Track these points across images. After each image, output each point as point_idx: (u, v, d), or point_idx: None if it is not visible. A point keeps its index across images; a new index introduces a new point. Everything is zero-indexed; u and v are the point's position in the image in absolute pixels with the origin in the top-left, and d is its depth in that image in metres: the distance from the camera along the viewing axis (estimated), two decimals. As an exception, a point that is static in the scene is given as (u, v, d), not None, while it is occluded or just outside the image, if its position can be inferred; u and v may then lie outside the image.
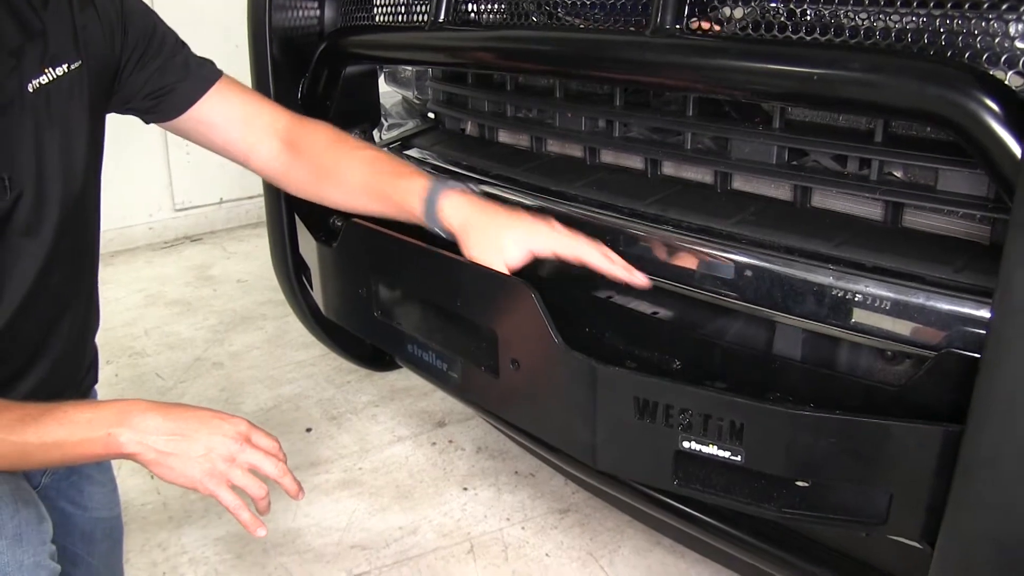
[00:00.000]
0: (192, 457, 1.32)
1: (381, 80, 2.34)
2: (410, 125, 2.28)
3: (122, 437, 1.29)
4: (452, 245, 1.48)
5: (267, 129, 1.69)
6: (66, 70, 1.44)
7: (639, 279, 1.41)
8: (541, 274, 1.48)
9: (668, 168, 1.59)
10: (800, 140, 1.35)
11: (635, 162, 1.65)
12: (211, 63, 1.68)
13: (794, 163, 1.39)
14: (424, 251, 1.49)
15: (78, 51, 1.46)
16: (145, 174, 4.99)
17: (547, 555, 2.37)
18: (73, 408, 1.30)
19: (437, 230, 1.52)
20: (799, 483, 1.18)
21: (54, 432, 1.27)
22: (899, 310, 1.16)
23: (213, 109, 1.65)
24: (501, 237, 1.45)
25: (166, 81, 1.62)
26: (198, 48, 1.67)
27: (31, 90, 1.39)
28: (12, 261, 1.42)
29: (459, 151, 1.97)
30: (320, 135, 1.68)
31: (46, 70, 1.41)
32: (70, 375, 1.62)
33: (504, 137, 1.96)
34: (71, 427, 1.28)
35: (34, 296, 1.45)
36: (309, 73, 2.10)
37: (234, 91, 1.69)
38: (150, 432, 1.30)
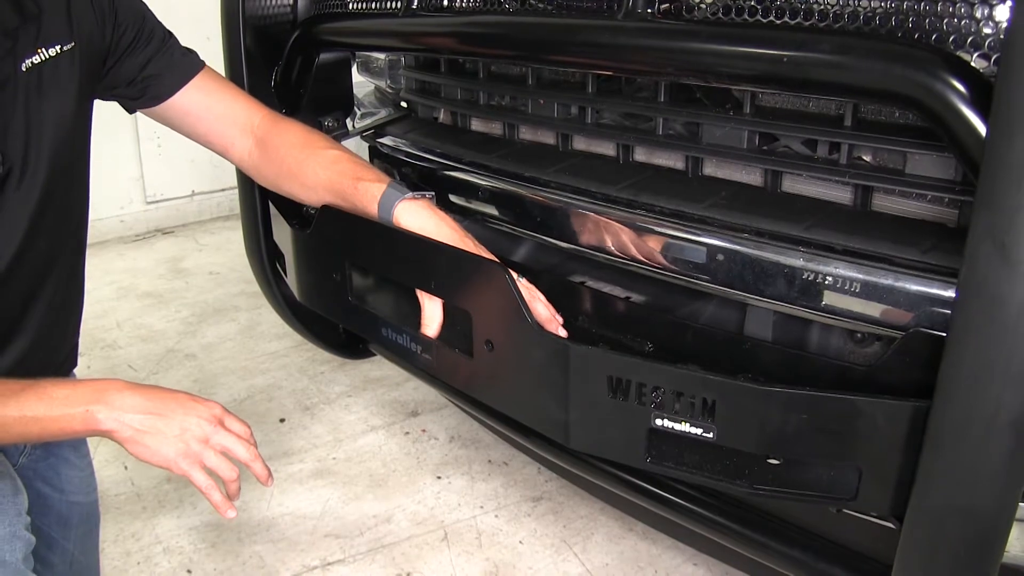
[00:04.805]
0: (167, 436, 1.34)
1: (354, 69, 2.33)
2: (383, 114, 2.28)
3: (99, 414, 1.31)
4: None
5: (243, 125, 1.71)
6: (59, 51, 1.46)
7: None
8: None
9: (640, 154, 1.61)
10: (771, 125, 1.36)
11: (607, 148, 1.66)
12: (195, 53, 1.71)
13: (765, 148, 1.40)
14: (398, 234, 1.50)
15: (71, 33, 1.48)
16: (116, 167, 4.95)
17: (521, 542, 2.38)
18: (52, 384, 1.32)
19: None
20: (770, 460, 1.20)
21: (33, 407, 1.28)
22: (868, 291, 1.18)
23: (193, 99, 1.67)
24: None
25: (153, 68, 1.64)
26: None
27: (24, 69, 1.41)
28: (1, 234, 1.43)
29: (432, 139, 1.97)
30: (291, 134, 1.70)
31: (39, 50, 1.43)
32: (50, 356, 1.62)
33: (477, 125, 1.96)
34: (49, 402, 1.29)
35: (13, 269, 1.46)
36: (282, 61, 2.09)
37: (215, 84, 1.71)
38: (127, 410, 1.32)
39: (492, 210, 1.71)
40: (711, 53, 1.25)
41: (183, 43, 1.70)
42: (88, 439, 1.83)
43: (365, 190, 1.56)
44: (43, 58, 1.44)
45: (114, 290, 4.25)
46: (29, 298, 1.53)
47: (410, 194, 1.54)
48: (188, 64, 1.68)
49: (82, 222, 1.65)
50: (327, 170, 1.63)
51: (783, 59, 1.15)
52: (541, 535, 2.41)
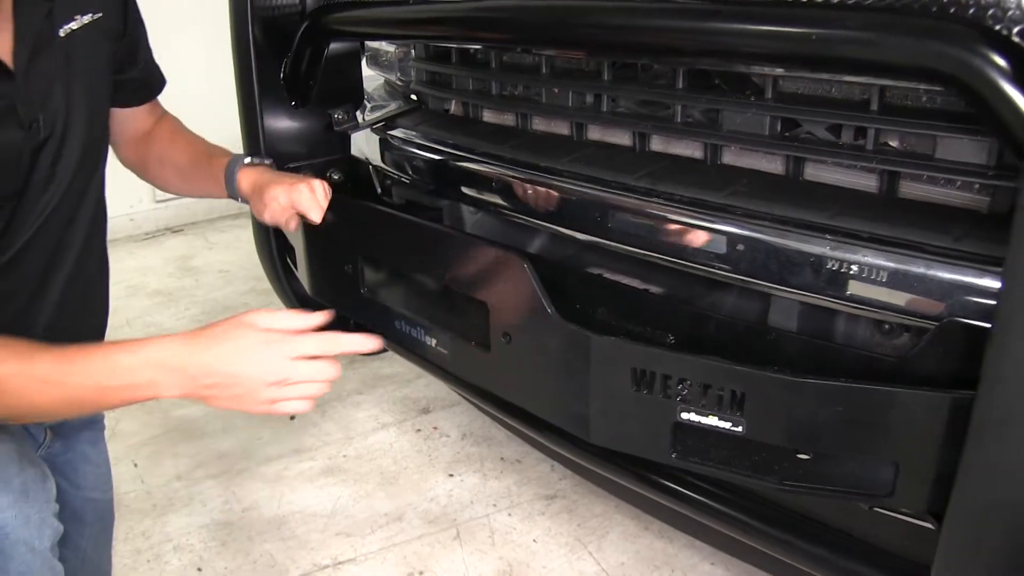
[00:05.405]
0: (238, 395, 1.33)
1: (363, 63, 2.31)
2: (393, 107, 2.25)
3: (162, 384, 1.28)
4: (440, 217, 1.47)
5: (141, 136, 1.84)
6: (91, 18, 1.51)
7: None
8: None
9: (657, 143, 1.56)
10: (793, 110, 1.32)
11: (623, 138, 1.62)
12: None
13: (787, 135, 1.36)
14: (413, 223, 1.47)
15: (102, 3, 1.54)
16: (124, 165, 4.94)
17: (535, 541, 2.35)
18: (115, 350, 1.29)
19: (238, 199, 1.76)
20: (801, 455, 1.16)
21: (98, 374, 1.26)
22: (897, 280, 1.14)
23: (145, 111, 1.81)
24: (273, 191, 1.66)
25: (148, 69, 1.75)
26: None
27: (62, 35, 1.45)
28: (31, 201, 1.45)
29: (443, 130, 1.93)
30: (164, 127, 1.86)
31: (76, 16, 1.48)
32: (76, 330, 1.64)
33: (489, 116, 1.92)
34: (111, 372, 1.27)
35: (38, 236, 1.48)
36: (291, 52, 2.06)
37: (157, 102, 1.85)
38: (190, 376, 1.30)
39: (506, 201, 1.67)
40: (735, 33, 1.20)
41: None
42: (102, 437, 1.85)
43: (218, 164, 1.76)
44: (79, 24, 1.47)
45: (124, 288, 4.23)
46: (51, 264, 1.56)
47: (249, 160, 1.73)
48: (161, 77, 1.80)
49: (102, 193, 1.72)
50: (189, 151, 1.83)
51: (811, 37, 1.10)
52: (555, 534, 2.38)
